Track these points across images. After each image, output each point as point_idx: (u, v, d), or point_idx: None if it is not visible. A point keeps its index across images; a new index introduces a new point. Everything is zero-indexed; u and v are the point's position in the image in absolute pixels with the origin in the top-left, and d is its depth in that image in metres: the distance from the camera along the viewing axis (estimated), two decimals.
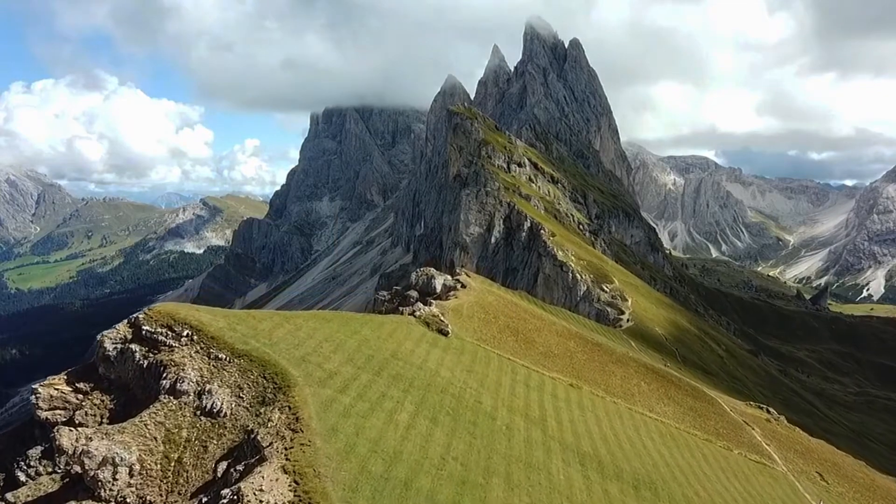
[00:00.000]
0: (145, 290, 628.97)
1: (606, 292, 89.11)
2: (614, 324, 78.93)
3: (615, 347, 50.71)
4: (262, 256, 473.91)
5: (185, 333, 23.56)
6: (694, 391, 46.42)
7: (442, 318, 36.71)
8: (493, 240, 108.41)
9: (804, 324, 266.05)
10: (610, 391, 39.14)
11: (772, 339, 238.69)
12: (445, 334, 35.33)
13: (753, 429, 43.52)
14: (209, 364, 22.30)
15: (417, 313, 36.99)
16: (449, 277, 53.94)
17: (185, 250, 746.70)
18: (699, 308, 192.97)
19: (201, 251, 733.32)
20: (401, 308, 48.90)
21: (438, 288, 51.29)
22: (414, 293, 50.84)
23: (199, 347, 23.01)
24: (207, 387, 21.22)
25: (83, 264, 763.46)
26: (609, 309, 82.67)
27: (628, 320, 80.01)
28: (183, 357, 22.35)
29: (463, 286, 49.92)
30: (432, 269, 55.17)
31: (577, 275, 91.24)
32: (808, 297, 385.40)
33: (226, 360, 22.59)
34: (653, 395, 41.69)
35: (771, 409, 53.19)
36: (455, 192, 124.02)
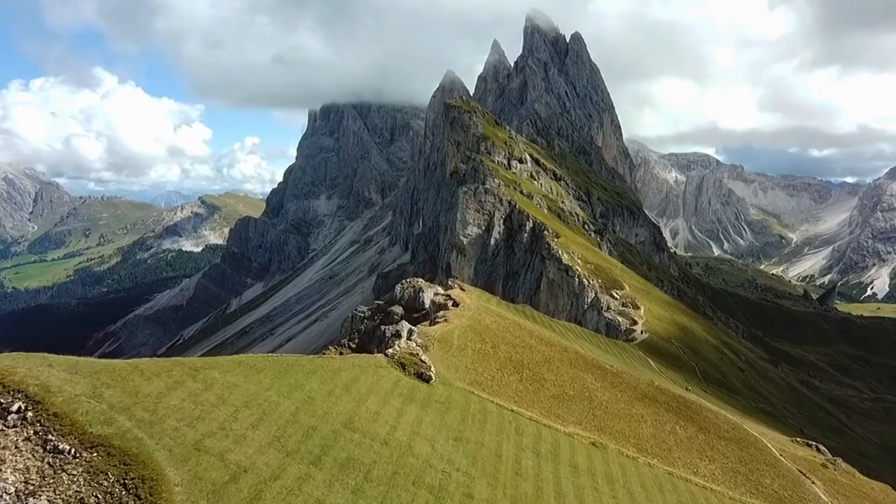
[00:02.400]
0: (142, 288, 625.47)
1: (616, 299, 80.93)
2: (627, 336, 70.79)
3: (638, 376, 42.36)
4: (258, 255, 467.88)
5: (15, 407, 15.26)
6: (734, 431, 38.28)
7: (423, 359, 28.14)
8: (492, 241, 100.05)
9: (814, 325, 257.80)
10: (642, 447, 30.94)
11: (781, 342, 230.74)
12: (427, 380, 26.79)
13: (814, 482, 35.59)
14: (42, 461, 14.13)
15: (390, 351, 28.54)
16: (440, 290, 45.68)
17: (184, 249, 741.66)
18: (707, 310, 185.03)
19: (199, 250, 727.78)
20: (382, 326, 40.82)
21: (427, 303, 43.08)
22: (398, 309, 42.73)
23: (32, 432, 14.75)
24: (31, 502, 13.14)
25: (80, 263, 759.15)
26: (620, 319, 74.52)
27: (642, 332, 71.79)
28: (3, 449, 14.22)
29: (455, 304, 41.26)
30: (420, 280, 47.00)
31: (585, 280, 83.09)
32: (814, 296, 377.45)
33: (70, 453, 14.33)
34: (693, 447, 33.49)
35: (822, 448, 45.31)
36: (452, 189, 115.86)
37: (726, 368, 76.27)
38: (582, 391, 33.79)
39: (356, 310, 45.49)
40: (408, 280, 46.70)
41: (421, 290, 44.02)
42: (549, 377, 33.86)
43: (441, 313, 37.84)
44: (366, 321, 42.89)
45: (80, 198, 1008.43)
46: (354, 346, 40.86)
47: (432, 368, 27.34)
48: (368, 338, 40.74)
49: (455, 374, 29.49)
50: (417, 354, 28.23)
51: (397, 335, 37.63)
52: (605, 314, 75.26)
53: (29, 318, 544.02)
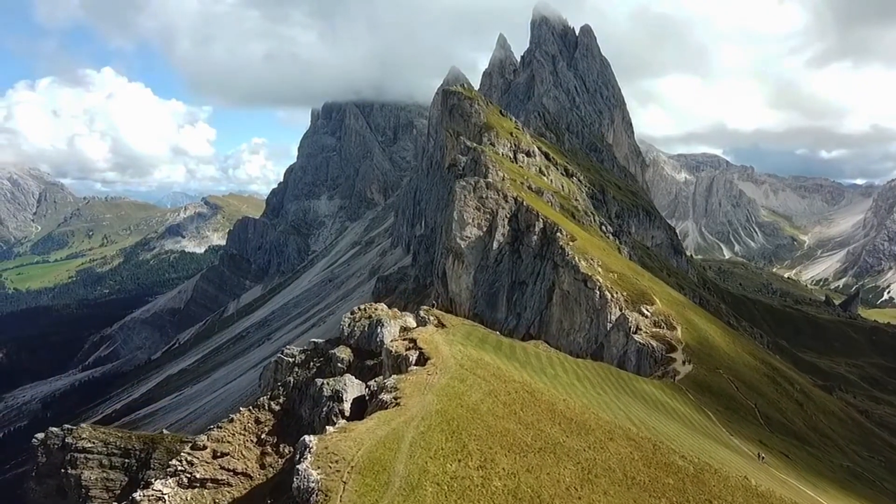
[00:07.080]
0: (143, 290, 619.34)
1: (647, 317, 65.90)
2: (665, 368, 55.77)
3: (727, 474, 25.07)
4: (257, 257, 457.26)
5: None
6: None
7: None
8: (495, 244, 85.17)
9: (841, 334, 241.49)
10: None
11: (807, 352, 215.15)
12: None
13: None
14: None
15: None
16: (410, 321, 30.58)
17: (186, 249, 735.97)
18: (731, 320, 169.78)
19: (202, 250, 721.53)
20: (319, 379, 25.89)
21: (386, 341, 27.71)
22: (344, 353, 28.01)
23: None
24: None
25: (83, 264, 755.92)
26: (654, 343, 59.53)
27: (684, 362, 56.59)
28: None
29: (426, 358, 25.06)
30: (380, 306, 32.27)
31: (607, 293, 68.18)
32: (836, 301, 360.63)
33: None
34: None
35: None
36: (449, 184, 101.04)
37: (784, 405, 61.18)
38: None
39: (282, 352, 30.81)
40: (361, 307, 31.77)
41: (379, 323, 28.48)
42: None
43: (392, 382, 21.35)
44: (297, 369, 28.02)
45: (84, 198, 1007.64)
46: (279, 407, 26.36)
47: None
48: (300, 395, 26.33)
49: None
50: None
51: (336, 397, 22.70)
52: (635, 337, 60.31)
53: (28, 319, 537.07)
